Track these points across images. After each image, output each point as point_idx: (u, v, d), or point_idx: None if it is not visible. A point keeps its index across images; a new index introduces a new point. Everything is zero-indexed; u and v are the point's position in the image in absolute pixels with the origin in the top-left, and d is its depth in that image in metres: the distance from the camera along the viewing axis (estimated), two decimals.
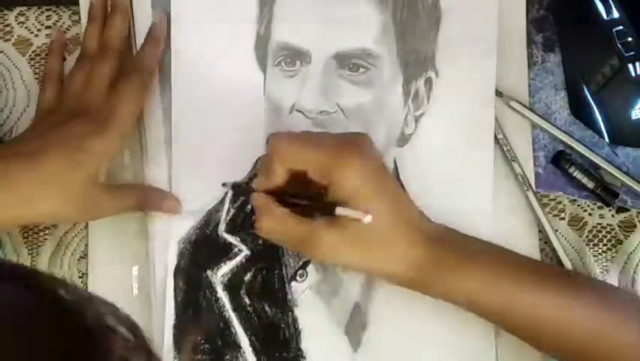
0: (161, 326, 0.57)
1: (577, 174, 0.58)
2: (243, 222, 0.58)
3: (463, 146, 0.59)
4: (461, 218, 0.58)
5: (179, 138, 0.58)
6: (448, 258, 0.51)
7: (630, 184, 0.58)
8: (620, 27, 0.58)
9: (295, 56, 0.58)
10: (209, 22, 0.58)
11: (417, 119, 0.59)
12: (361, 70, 0.57)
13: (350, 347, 0.57)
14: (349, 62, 0.57)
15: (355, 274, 0.58)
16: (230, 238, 0.57)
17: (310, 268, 0.58)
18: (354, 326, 0.58)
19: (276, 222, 0.50)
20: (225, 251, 0.57)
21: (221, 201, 0.58)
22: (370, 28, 0.58)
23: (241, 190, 0.56)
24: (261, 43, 0.58)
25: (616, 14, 0.58)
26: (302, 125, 0.57)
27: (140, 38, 0.58)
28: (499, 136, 0.59)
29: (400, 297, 0.56)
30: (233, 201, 0.58)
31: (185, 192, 0.58)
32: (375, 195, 0.50)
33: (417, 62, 0.58)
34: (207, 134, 0.58)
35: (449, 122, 0.59)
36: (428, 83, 0.59)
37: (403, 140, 0.59)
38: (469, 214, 0.58)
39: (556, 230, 0.59)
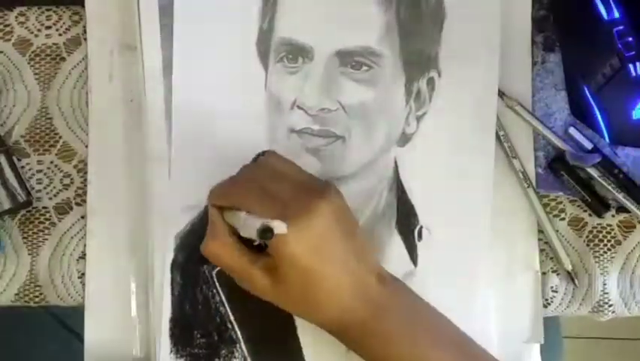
0: (158, 320, 0.57)
1: (569, 183, 0.58)
2: None
3: (465, 146, 0.59)
4: (461, 218, 0.58)
5: (179, 132, 0.58)
6: (384, 332, 0.49)
7: (621, 199, 0.58)
8: (620, 27, 0.57)
9: (298, 52, 0.57)
10: (212, 16, 0.58)
11: (418, 119, 0.59)
12: (364, 68, 0.57)
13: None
14: (352, 60, 0.57)
15: None
16: None
17: None
18: None
19: (220, 249, 0.49)
20: None
21: None
22: (374, 26, 0.58)
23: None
24: (264, 38, 0.58)
25: (616, 14, 0.58)
26: (302, 122, 0.57)
27: (144, 38, 0.58)
28: (501, 133, 0.59)
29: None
30: None
31: (183, 186, 0.58)
32: (312, 265, 0.47)
33: (420, 62, 0.58)
34: (207, 129, 0.58)
35: (451, 122, 0.59)
36: (430, 82, 0.59)
37: (404, 139, 0.59)
38: (469, 214, 0.58)
39: (557, 230, 0.59)
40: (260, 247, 0.49)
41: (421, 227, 0.58)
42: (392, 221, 0.58)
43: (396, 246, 0.58)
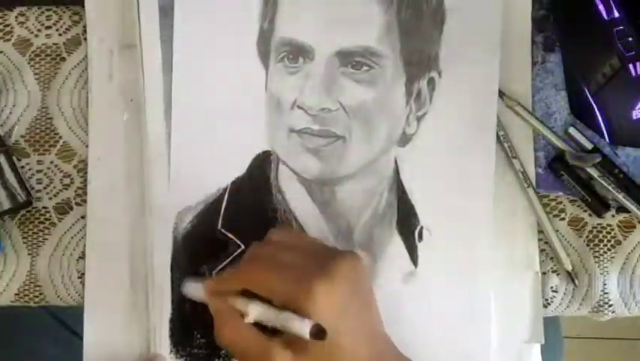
0: (158, 320, 0.57)
1: (569, 183, 0.58)
2: (241, 218, 0.58)
3: (465, 146, 0.59)
4: (462, 218, 0.58)
5: (179, 133, 0.58)
6: None
7: (621, 199, 0.58)
8: (620, 27, 0.57)
9: (298, 52, 0.57)
10: (213, 16, 0.58)
11: (419, 119, 0.59)
12: (364, 68, 0.57)
13: None
14: (352, 60, 0.57)
15: None
16: (227, 234, 0.58)
17: None
18: None
19: (236, 335, 0.48)
20: (222, 247, 0.57)
21: (219, 197, 0.58)
22: (374, 26, 0.58)
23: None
24: (264, 38, 0.58)
25: (616, 14, 0.58)
26: (303, 122, 0.57)
27: (144, 38, 0.58)
28: (501, 133, 0.59)
29: (396, 299, 0.57)
30: (232, 196, 0.58)
31: (183, 187, 0.58)
32: (338, 331, 0.46)
33: (420, 62, 0.58)
34: (207, 129, 0.58)
35: (451, 122, 0.59)
36: (431, 83, 0.59)
37: (405, 140, 0.59)
38: (470, 215, 0.58)
39: (557, 230, 0.59)
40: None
41: (422, 227, 0.58)
42: (392, 221, 0.58)
43: (396, 246, 0.58)
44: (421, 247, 0.58)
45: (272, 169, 0.58)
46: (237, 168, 0.58)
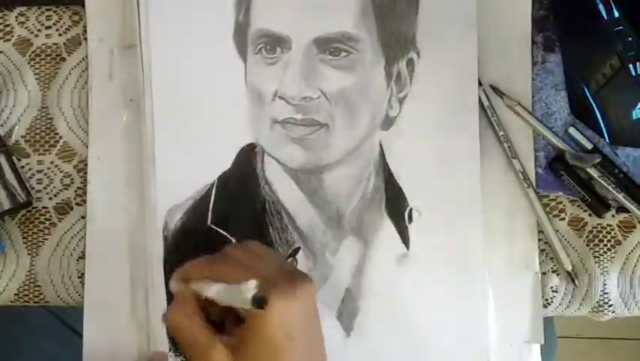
0: (157, 319, 0.57)
1: (569, 183, 0.58)
2: (230, 213, 0.58)
3: (448, 126, 0.58)
4: (450, 198, 0.58)
5: (162, 130, 0.58)
6: None
7: (621, 199, 0.58)
8: (620, 27, 0.58)
9: (275, 43, 0.57)
10: (188, 12, 0.58)
11: (401, 101, 0.59)
12: (343, 54, 0.57)
13: (342, 332, 0.58)
14: (330, 47, 0.57)
15: (346, 260, 0.58)
16: (217, 229, 0.58)
17: (300, 255, 0.58)
18: (346, 312, 0.58)
19: (187, 319, 0.46)
20: (213, 242, 0.57)
21: (207, 193, 0.58)
22: (349, 11, 0.58)
23: None
24: (240, 30, 0.58)
25: (616, 14, 0.58)
26: (285, 112, 0.57)
27: (144, 38, 0.58)
28: (500, 133, 0.59)
29: (391, 282, 0.57)
30: (220, 191, 0.58)
31: (171, 183, 0.58)
32: (284, 345, 0.45)
33: (398, 44, 0.58)
34: (190, 125, 0.58)
35: (433, 103, 0.59)
36: (410, 64, 0.59)
37: (388, 122, 0.59)
38: (458, 194, 0.58)
39: (557, 230, 0.59)
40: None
41: (411, 209, 0.58)
42: (381, 205, 0.58)
43: (387, 230, 0.58)
44: (411, 229, 0.58)
45: (257, 161, 0.58)
46: (223, 162, 0.58)
